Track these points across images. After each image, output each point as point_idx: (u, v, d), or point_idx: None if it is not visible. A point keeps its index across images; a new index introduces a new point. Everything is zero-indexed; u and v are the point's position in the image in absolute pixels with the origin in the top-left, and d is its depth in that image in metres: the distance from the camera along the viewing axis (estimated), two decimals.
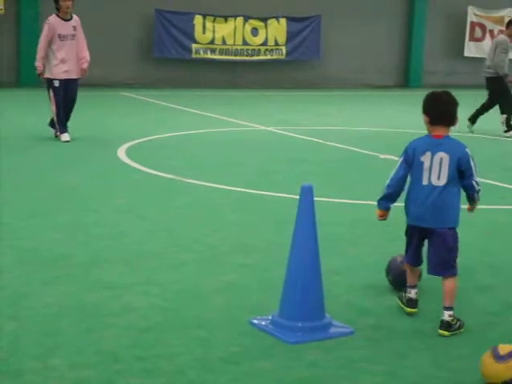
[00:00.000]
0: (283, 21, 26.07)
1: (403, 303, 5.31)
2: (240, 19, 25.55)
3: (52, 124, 12.63)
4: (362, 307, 5.33)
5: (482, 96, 15.47)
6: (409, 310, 5.27)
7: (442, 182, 5.06)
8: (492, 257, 6.72)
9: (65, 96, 12.46)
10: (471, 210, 5.35)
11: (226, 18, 25.40)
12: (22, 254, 6.30)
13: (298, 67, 26.69)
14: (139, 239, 6.87)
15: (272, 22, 25.98)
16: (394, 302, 5.38)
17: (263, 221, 7.72)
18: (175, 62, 25.01)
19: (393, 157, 11.63)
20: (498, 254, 6.82)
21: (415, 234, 5.22)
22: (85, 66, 12.43)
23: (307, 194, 4.80)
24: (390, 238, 7.04)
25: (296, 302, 4.77)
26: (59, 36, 12.24)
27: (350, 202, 8.61)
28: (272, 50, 26.16)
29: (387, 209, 5.29)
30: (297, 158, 11.62)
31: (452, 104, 5.23)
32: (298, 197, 4.83)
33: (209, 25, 25.27)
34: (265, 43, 26.01)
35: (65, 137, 12.35)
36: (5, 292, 5.38)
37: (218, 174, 10.10)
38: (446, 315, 5.00)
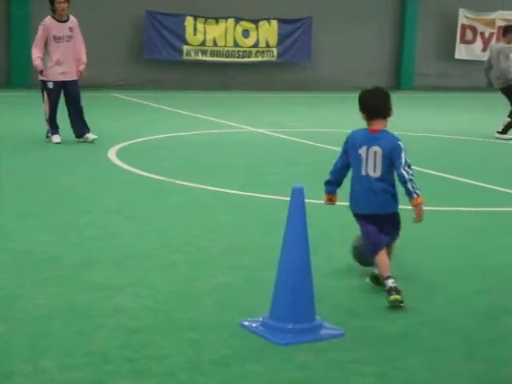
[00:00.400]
0: (274, 22, 26.09)
1: (389, 294, 5.35)
2: (231, 21, 25.56)
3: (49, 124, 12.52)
4: (352, 309, 5.33)
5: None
6: (393, 297, 5.30)
7: (378, 174, 5.44)
8: (485, 260, 6.72)
9: (66, 99, 12.39)
10: (418, 218, 5.48)
11: (217, 20, 25.40)
12: (14, 255, 6.30)
13: (289, 69, 26.71)
14: (130, 240, 6.87)
15: (263, 24, 25.99)
16: (385, 303, 5.38)
17: (254, 222, 7.72)
18: (166, 63, 24.99)
19: None
20: (491, 258, 6.82)
21: (364, 219, 5.58)
22: (81, 67, 12.37)
23: (298, 195, 4.80)
24: None
25: (286, 303, 4.77)
26: (54, 38, 12.15)
27: (340, 203, 8.60)
28: (263, 51, 26.17)
29: (331, 192, 5.77)
30: (288, 160, 11.62)
31: (383, 97, 5.61)
32: (289, 198, 4.83)
33: (200, 26, 25.26)
34: (256, 45, 26.02)
35: (56, 138, 12.32)
36: None
37: (209, 175, 10.09)
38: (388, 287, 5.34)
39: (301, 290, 4.77)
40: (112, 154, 11.47)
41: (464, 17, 28.70)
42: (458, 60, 28.88)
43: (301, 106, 21.33)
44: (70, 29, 12.29)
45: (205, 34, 25.37)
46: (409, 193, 5.43)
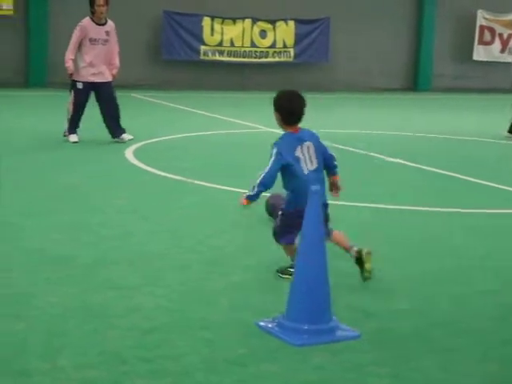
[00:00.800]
0: (291, 23, 26.08)
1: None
2: (248, 21, 25.57)
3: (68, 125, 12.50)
4: (368, 310, 5.31)
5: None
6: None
7: (315, 165, 5.80)
8: (493, 261, 6.68)
9: (100, 100, 12.38)
10: (337, 189, 6.08)
11: (234, 20, 25.42)
12: (26, 253, 6.30)
13: (306, 69, 26.70)
14: (144, 240, 6.86)
15: (280, 25, 25.99)
16: (399, 305, 5.35)
17: (269, 222, 7.69)
18: (183, 63, 25.03)
19: (400, 160, 11.64)
20: (499, 258, 6.78)
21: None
22: (114, 71, 12.39)
23: (314, 196, 4.79)
24: (392, 240, 7.04)
25: (302, 304, 4.74)
26: (90, 39, 12.17)
27: (355, 204, 8.59)
28: (280, 52, 26.16)
29: (255, 201, 5.94)
30: None
31: (304, 104, 5.88)
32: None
33: (217, 27, 25.29)
34: (273, 45, 26.03)
35: (73, 138, 12.34)
36: (11, 291, 5.38)
37: (225, 175, 10.08)
38: (356, 250, 5.77)
39: (317, 290, 4.75)
40: (129, 154, 11.49)
41: (482, 18, 28.59)
42: (476, 61, 28.77)
43: (317, 106, 21.26)
44: (107, 32, 12.29)
45: (222, 34, 25.40)
46: (335, 168, 6.03)
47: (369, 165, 11.60)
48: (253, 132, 14.89)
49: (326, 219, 5.77)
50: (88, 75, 12.21)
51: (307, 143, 5.82)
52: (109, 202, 8.34)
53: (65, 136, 12.46)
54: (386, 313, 5.28)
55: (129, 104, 19.98)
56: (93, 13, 12.29)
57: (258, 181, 5.78)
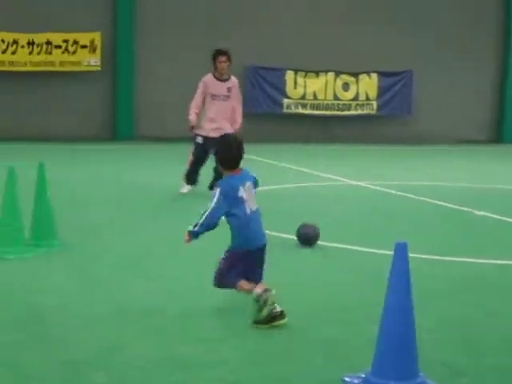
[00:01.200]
0: (374, 76, 26.14)
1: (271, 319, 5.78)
2: (331, 74, 25.72)
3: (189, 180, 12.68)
4: (457, 366, 5.21)
5: None
6: (282, 321, 5.81)
7: (256, 205, 6.04)
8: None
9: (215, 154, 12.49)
10: None
11: (317, 73, 25.61)
12: (115, 304, 6.37)
13: (389, 122, 26.65)
14: (232, 293, 6.87)
15: (363, 77, 26.07)
16: (490, 361, 5.24)
17: (356, 276, 7.65)
18: (267, 116, 25.24)
19: (489, 213, 11.46)
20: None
21: (256, 254, 6.02)
22: (236, 128, 12.40)
23: (402, 250, 4.74)
24: (482, 294, 6.92)
25: (389, 359, 4.68)
26: (211, 95, 12.36)
27: (443, 258, 8.48)
28: (363, 104, 26.20)
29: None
30: (388, 213, 11.53)
31: (242, 148, 6.10)
32: (390, 252, 4.78)
33: (300, 80, 25.51)
34: (356, 98, 26.09)
35: (183, 188, 12.53)
36: (98, 343, 5.44)
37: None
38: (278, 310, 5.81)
39: (404, 346, 4.68)
40: None
41: None
42: None
43: (401, 158, 21.20)
44: (228, 89, 12.43)
45: (305, 87, 25.59)
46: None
47: (455, 218, 11.46)
48: (335, 184, 14.87)
49: (262, 263, 6.06)
50: (208, 130, 12.30)
51: (248, 183, 6.02)
52: (197, 254, 8.40)
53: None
54: (476, 369, 5.16)
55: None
56: (215, 68, 12.48)
57: (201, 221, 5.93)
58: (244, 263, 6.03)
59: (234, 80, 12.53)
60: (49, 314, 6.04)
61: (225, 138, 6.35)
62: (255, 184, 6.20)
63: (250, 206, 5.97)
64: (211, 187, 12.36)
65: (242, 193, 5.92)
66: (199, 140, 12.39)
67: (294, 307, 6.43)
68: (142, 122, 24.48)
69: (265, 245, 6.08)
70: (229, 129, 12.25)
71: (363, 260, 8.41)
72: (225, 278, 6.07)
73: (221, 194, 5.91)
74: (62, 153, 20.03)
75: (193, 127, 12.41)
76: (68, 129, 23.92)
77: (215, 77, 12.43)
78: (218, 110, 12.34)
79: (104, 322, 5.91)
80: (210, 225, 5.94)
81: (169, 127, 24.44)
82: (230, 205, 5.91)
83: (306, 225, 8.82)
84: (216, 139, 12.16)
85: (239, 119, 12.53)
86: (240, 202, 5.91)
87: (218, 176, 12.37)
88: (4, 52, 23.11)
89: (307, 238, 8.80)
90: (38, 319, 5.89)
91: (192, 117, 12.35)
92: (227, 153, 6.07)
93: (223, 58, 12.32)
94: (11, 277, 7.17)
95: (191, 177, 12.60)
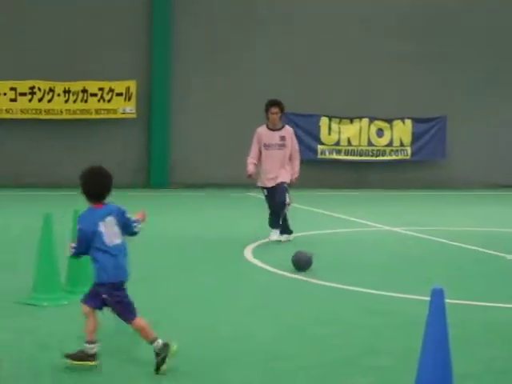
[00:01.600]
0: (408, 122, 26.15)
1: (82, 359, 5.81)
2: (365, 120, 25.77)
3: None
4: None
5: None
6: (93, 362, 5.82)
7: (120, 239, 5.95)
8: None
9: (270, 198, 12.59)
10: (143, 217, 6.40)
11: (351, 120, 25.67)
12: (149, 353, 6.32)
13: (423, 167, 26.58)
14: (267, 340, 6.84)
15: (397, 123, 26.08)
16: None
17: (391, 322, 7.59)
18: (301, 162, 25.23)
19: None
20: None
21: (115, 287, 5.92)
22: (293, 177, 12.59)
23: (438, 296, 4.69)
24: None
25: None
26: (265, 145, 12.51)
27: (478, 303, 8.39)
28: (397, 150, 26.18)
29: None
30: (423, 259, 11.46)
31: (107, 182, 6.16)
32: (425, 298, 4.73)
33: (334, 126, 25.59)
34: (390, 144, 26.10)
35: (273, 235, 12.59)
36: None
37: (344, 274, 10.04)
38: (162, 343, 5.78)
39: None
40: (248, 252, 11.58)
41: None
42: None
43: (435, 204, 21.10)
44: (282, 137, 12.52)
45: (339, 133, 25.65)
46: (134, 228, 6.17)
47: (487, 262, 11.36)
48: (370, 230, 14.81)
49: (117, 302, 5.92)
50: (265, 180, 12.58)
51: (109, 218, 5.94)
52: (230, 301, 8.39)
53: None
54: None
55: (247, 203, 20.27)
56: (267, 119, 12.62)
57: (72, 253, 6.06)
58: (111, 295, 5.95)
59: (288, 129, 12.63)
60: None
61: (90, 170, 6.28)
62: (124, 218, 6.09)
63: (112, 239, 5.91)
64: (270, 224, 12.79)
65: (101, 227, 5.89)
66: (265, 192, 12.68)
67: (328, 353, 6.38)
68: (176, 169, 24.62)
69: (123, 281, 5.97)
70: (284, 176, 12.34)
71: (399, 306, 8.33)
72: (88, 298, 6.04)
73: (79, 228, 5.98)
74: None
75: (250, 175, 12.61)
76: None
77: (268, 127, 12.54)
78: (272, 159, 12.48)
79: (141, 371, 5.88)
80: (79, 255, 6.12)
81: (202, 174, 24.57)
82: (89, 239, 5.90)
83: (300, 252, 10.18)
84: (272, 188, 12.38)
85: (297, 168, 12.65)
86: (99, 235, 5.88)
87: (276, 217, 12.48)
88: (40, 100, 23.42)
89: (299, 262, 10.04)
90: (71, 367, 5.87)
91: (249, 167, 12.58)
92: (88, 188, 6.08)
93: (275, 110, 12.48)
94: (45, 324, 7.19)
95: (282, 224, 12.73)
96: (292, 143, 12.58)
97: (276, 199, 12.50)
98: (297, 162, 12.66)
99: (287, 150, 12.50)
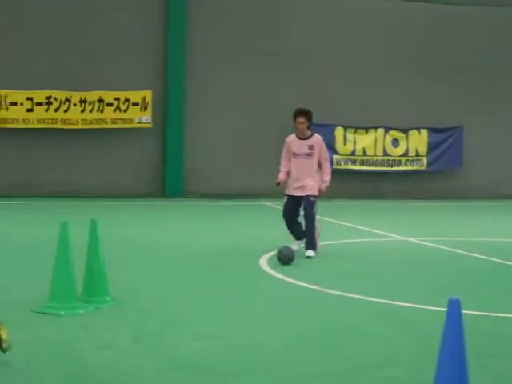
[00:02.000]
0: (424, 132, 26.12)
1: None
2: (381, 130, 25.77)
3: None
4: None
5: None
6: None
7: None
8: None
9: (305, 213, 12.47)
10: None
11: (366, 130, 25.67)
12: (162, 361, 6.37)
13: (439, 177, 26.53)
14: (280, 348, 6.85)
15: (413, 133, 26.06)
16: None
17: (405, 332, 7.57)
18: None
19: None
20: None
21: None
22: (322, 186, 12.46)
23: (455, 307, 4.69)
24: None
25: None
26: (293, 154, 12.48)
27: (493, 314, 8.37)
28: (413, 160, 26.15)
29: None
30: (438, 269, 11.44)
31: None
32: (440, 308, 4.73)
33: (350, 136, 25.60)
34: (406, 154, 26.06)
35: (295, 245, 12.45)
36: None
37: (358, 284, 10.02)
38: None
39: None
40: (263, 262, 11.59)
41: None
42: None
43: (452, 214, 21.05)
44: (310, 146, 12.45)
45: (354, 143, 25.65)
46: None
47: (503, 273, 11.33)
48: (385, 240, 14.80)
49: None
50: (291, 189, 12.50)
51: None
52: (244, 310, 8.40)
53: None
54: None
55: (262, 212, 20.29)
56: (296, 128, 12.60)
57: None
58: None
59: (316, 137, 12.54)
60: (100, 372, 6.05)
61: None
62: None
63: None
64: (297, 237, 12.70)
65: None
66: (285, 199, 12.62)
67: (340, 363, 6.38)
68: (191, 179, 24.68)
69: None
70: (312, 186, 12.30)
71: (413, 316, 8.32)
72: None
73: None
74: (114, 209, 20.24)
75: (278, 184, 12.62)
76: (118, 185, 24.18)
77: (297, 136, 12.55)
78: (300, 168, 12.43)
79: (154, 380, 5.91)
80: None
81: (217, 184, 24.64)
82: None
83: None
84: (298, 198, 12.32)
85: (326, 177, 12.51)
86: None
87: (309, 237, 12.41)
88: (57, 110, 23.53)
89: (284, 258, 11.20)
90: (88, 377, 5.90)
91: (280, 175, 12.60)
92: None
93: (301, 119, 12.42)
94: (63, 333, 7.22)
95: (291, 233, 12.68)
96: (320, 152, 12.52)
97: (304, 214, 12.42)
98: (327, 171, 12.56)
99: (314, 159, 12.44)
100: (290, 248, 11.60)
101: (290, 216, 12.56)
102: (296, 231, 12.68)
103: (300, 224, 12.68)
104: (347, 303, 8.90)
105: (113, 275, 8.90)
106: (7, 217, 17.70)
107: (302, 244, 12.56)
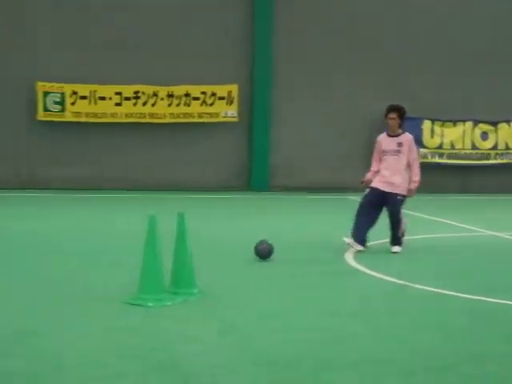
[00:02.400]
0: None
1: None
2: (469, 123, 25.38)
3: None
4: None
5: None
6: None
7: None
8: None
9: (387, 210, 12.35)
10: None
11: (454, 123, 25.32)
12: (251, 355, 6.39)
13: None
14: (366, 344, 6.81)
15: (502, 126, 25.59)
16: None
17: (495, 328, 7.46)
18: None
19: None
20: None
21: None
22: (411, 186, 12.32)
23: None
24: None
25: None
26: (383, 151, 12.40)
27: None
28: (502, 153, 25.69)
29: None
30: None
31: None
32: None
33: (437, 129, 25.28)
34: (495, 147, 25.63)
35: (357, 246, 12.11)
36: None
37: (447, 279, 9.90)
38: None
39: None
40: (349, 256, 11.54)
41: None
42: None
43: None
44: (399, 144, 12.32)
45: (442, 136, 25.33)
46: None
47: None
48: (474, 235, 14.59)
49: None
50: (377, 181, 12.31)
51: None
52: (332, 305, 8.37)
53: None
54: None
55: (347, 206, 20.20)
56: (387, 124, 12.51)
57: None
58: None
59: (406, 136, 12.35)
60: (188, 363, 6.10)
61: None
62: None
63: None
64: (392, 243, 12.37)
65: None
66: (366, 191, 12.37)
67: (432, 360, 6.31)
68: (277, 172, 24.73)
69: None
70: (400, 184, 12.15)
71: (504, 312, 8.19)
72: None
73: None
74: (201, 202, 20.42)
75: (363, 182, 12.49)
76: (204, 179, 24.39)
77: (387, 133, 12.44)
78: (388, 165, 12.28)
79: (245, 373, 5.93)
80: None
81: (303, 177, 24.65)
82: None
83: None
84: (382, 193, 12.11)
85: (415, 178, 12.35)
86: None
87: (394, 233, 12.28)
88: (144, 104, 23.85)
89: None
90: (176, 368, 5.96)
91: (368, 174, 12.50)
92: None
93: (392, 115, 12.25)
94: (150, 324, 7.31)
95: (356, 231, 12.22)
96: (410, 151, 12.31)
97: (390, 209, 12.23)
98: (416, 171, 12.33)
99: (403, 157, 12.24)
100: (265, 241, 11.33)
101: (366, 207, 12.21)
102: (360, 224, 12.22)
103: (371, 223, 12.26)
104: (436, 299, 8.79)
105: (199, 268, 8.98)
106: (109, 206, 18.11)
107: (350, 242, 12.12)
